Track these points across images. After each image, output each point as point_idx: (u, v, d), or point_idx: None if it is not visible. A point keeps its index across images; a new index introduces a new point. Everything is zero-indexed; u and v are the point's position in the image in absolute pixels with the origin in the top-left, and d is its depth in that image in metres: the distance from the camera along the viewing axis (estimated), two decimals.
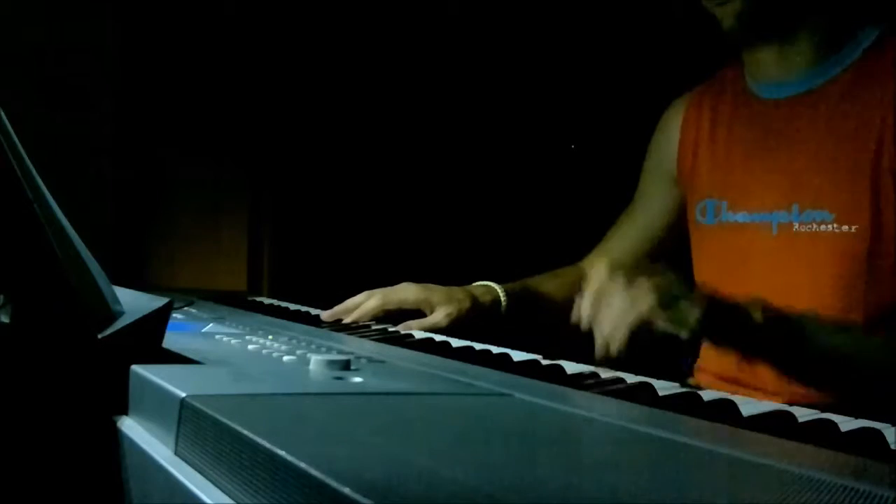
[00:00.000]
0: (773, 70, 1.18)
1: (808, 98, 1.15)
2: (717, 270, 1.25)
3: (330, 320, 1.19)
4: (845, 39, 1.13)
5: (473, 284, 1.27)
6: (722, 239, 1.23)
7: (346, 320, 1.17)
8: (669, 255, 1.38)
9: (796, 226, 1.13)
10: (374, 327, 1.15)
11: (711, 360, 1.22)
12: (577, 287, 1.39)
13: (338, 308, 1.20)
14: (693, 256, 1.31)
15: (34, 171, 0.63)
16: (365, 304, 1.18)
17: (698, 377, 1.23)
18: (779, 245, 1.15)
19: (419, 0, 2.03)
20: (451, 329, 1.17)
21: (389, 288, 1.21)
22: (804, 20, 1.13)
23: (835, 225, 1.09)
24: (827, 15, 1.13)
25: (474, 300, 1.23)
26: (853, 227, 1.08)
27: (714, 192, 1.25)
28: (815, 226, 1.11)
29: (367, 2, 1.99)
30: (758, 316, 0.94)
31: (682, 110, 1.34)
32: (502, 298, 1.26)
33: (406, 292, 1.20)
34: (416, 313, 1.19)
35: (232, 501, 0.43)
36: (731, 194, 1.22)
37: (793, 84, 1.16)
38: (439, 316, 1.18)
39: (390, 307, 1.18)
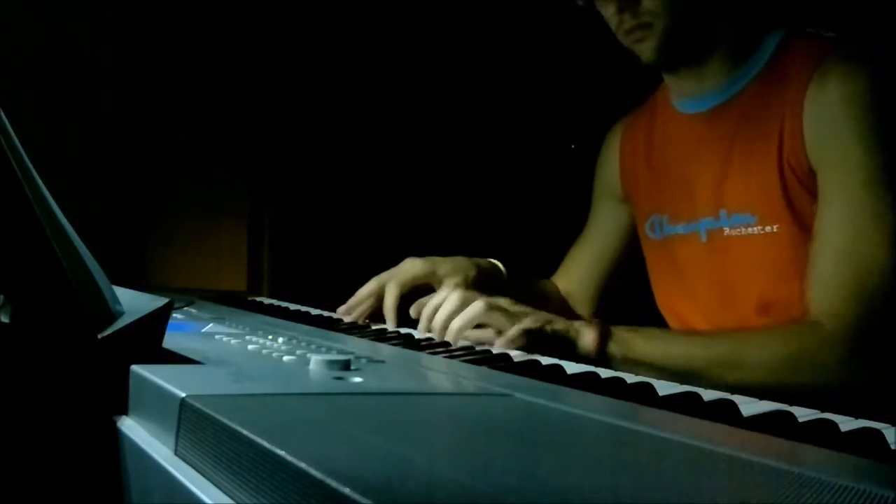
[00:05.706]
0: (691, 88, 1.22)
1: (724, 108, 1.19)
2: (667, 283, 1.30)
3: (347, 315, 1.20)
4: (753, 48, 1.16)
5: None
6: (666, 252, 1.29)
7: (388, 327, 1.15)
8: (626, 273, 1.42)
9: (727, 230, 1.17)
10: (373, 327, 1.15)
11: None
12: (547, 297, 1.43)
13: (352, 301, 1.21)
14: (648, 271, 1.35)
15: (34, 171, 0.63)
16: (386, 303, 1.18)
17: None
18: (710, 251, 1.20)
19: (415, 2, 2.03)
20: None
21: (395, 269, 1.22)
22: (716, 39, 1.16)
23: (759, 227, 1.13)
24: (734, 28, 1.16)
25: (479, 268, 1.26)
26: (775, 227, 1.12)
27: (656, 209, 1.30)
28: (742, 229, 1.15)
29: (365, 5, 1.99)
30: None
31: (619, 137, 1.40)
32: (503, 269, 1.30)
33: (413, 269, 1.21)
34: (425, 288, 1.20)
35: (232, 501, 0.43)
36: (668, 208, 1.27)
37: (710, 97, 1.20)
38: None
39: (406, 291, 1.19)
